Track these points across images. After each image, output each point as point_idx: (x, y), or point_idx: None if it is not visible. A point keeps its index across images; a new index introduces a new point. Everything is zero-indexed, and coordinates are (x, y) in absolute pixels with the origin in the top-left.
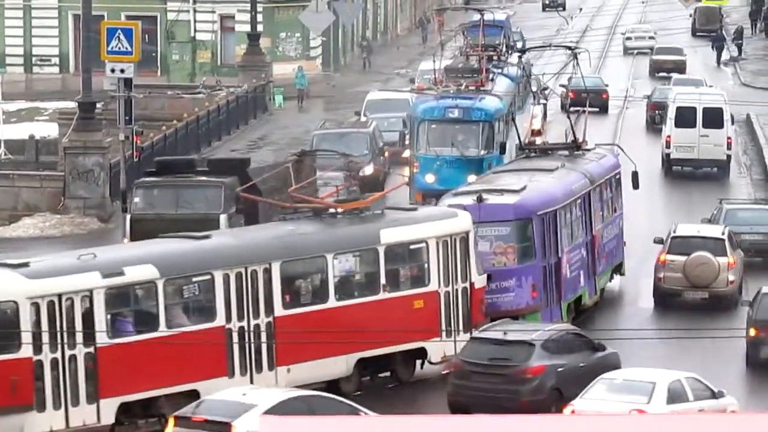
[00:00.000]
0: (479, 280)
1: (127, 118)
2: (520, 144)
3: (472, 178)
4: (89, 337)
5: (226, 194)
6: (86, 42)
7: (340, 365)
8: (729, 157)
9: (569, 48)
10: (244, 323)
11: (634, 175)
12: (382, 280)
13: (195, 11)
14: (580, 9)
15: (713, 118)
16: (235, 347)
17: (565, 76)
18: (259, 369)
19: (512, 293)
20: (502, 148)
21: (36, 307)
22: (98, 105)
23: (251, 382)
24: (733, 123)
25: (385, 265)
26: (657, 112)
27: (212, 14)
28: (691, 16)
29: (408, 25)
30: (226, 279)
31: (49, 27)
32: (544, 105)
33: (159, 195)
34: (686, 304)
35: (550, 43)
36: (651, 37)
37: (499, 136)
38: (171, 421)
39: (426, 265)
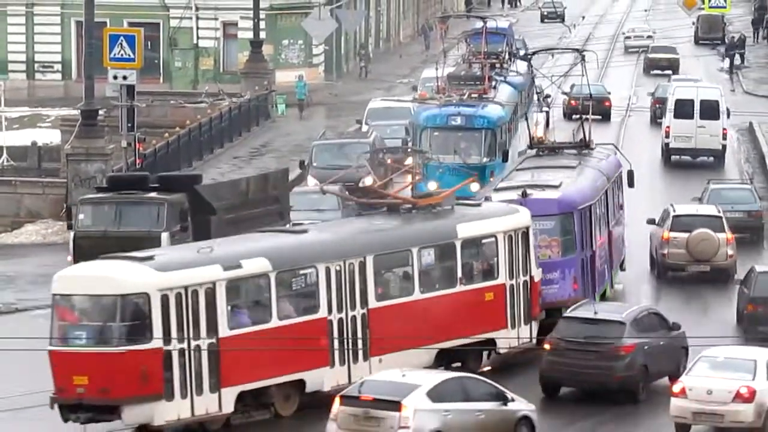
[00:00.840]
0: (537, 273)
1: (129, 125)
2: (531, 143)
3: (474, 186)
4: (212, 328)
5: (168, 212)
6: (89, 49)
7: (423, 356)
8: (724, 147)
9: (577, 50)
10: (343, 315)
11: (630, 174)
12: (459, 274)
13: (197, 18)
14: (583, 17)
15: (710, 109)
16: (335, 338)
17: (570, 79)
18: (356, 359)
19: (556, 285)
20: (505, 156)
21: (165, 298)
22: (101, 112)
23: (349, 372)
24: (728, 116)
25: (461, 259)
26: (658, 106)
27: (215, 21)
28: (693, 24)
29: (411, 32)
30: (328, 272)
31: (51, 34)
32: (547, 113)
33: (103, 212)
34: (690, 277)
35: (557, 47)
36: (649, 36)
37: (501, 143)
38: (337, 401)
39: (495, 259)
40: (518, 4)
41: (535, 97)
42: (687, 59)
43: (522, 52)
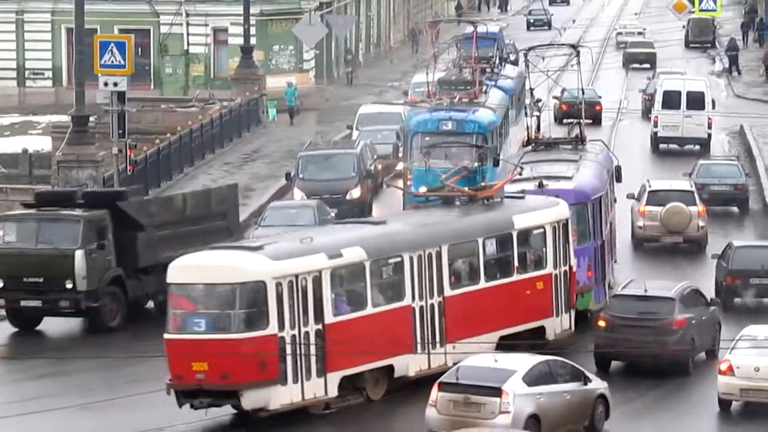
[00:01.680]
0: (574, 263)
1: (120, 131)
2: (528, 138)
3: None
4: (318, 315)
5: (84, 229)
6: (79, 55)
7: (489, 343)
8: (709, 135)
9: (572, 46)
10: (423, 303)
11: (618, 169)
12: (515, 263)
13: (188, 24)
14: (573, 21)
15: (696, 100)
16: (417, 325)
17: (565, 75)
18: (434, 346)
19: None
20: (496, 161)
21: (279, 286)
22: (91, 118)
23: (429, 358)
24: (714, 107)
25: (517, 249)
26: (649, 101)
27: (205, 27)
28: (684, 27)
29: (401, 37)
30: (412, 261)
31: (42, 41)
32: (537, 117)
33: (22, 229)
34: (664, 248)
35: (553, 43)
36: (640, 33)
37: (492, 148)
38: (435, 387)
39: (543, 249)
40: (507, 8)
41: (527, 100)
42: (678, 61)
43: (513, 57)
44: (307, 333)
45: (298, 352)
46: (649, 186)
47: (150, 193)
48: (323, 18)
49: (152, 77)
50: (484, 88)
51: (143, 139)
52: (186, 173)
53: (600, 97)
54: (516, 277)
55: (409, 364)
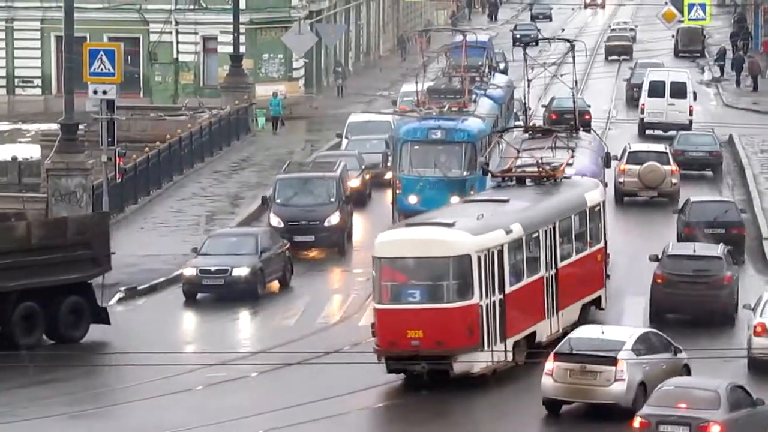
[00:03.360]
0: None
1: (109, 139)
2: (525, 125)
3: (455, 199)
4: (501, 285)
5: None
6: (69, 64)
7: (576, 311)
8: (690, 122)
9: (567, 40)
10: (548, 274)
11: (607, 156)
12: (588, 237)
13: (177, 33)
14: (563, 29)
15: (678, 90)
16: (545, 295)
17: (563, 67)
18: (551, 313)
19: None
20: (485, 170)
21: (479, 259)
22: (81, 127)
23: (550, 324)
24: (695, 98)
25: (589, 224)
26: (635, 90)
27: (195, 36)
28: (673, 36)
29: (390, 46)
30: (545, 235)
31: (31, 48)
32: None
33: None
34: (640, 201)
35: (554, 37)
36: (632, 29)
37: (481, 157)
38: (551, 357)
39: (600, 224)
40: (496, 18)
41: (515, 109)
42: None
43: (502, 66)
44: (494, 302)
45: (489, 319)
46: (630, 148)
47: (139, 202)
48: (313, 27)
49: (141, 85)
50: (474, 97)
51: (133, 148)
52: (175, 181)
53: (589, 106)
54: (589, 250)
55: (543, 331)
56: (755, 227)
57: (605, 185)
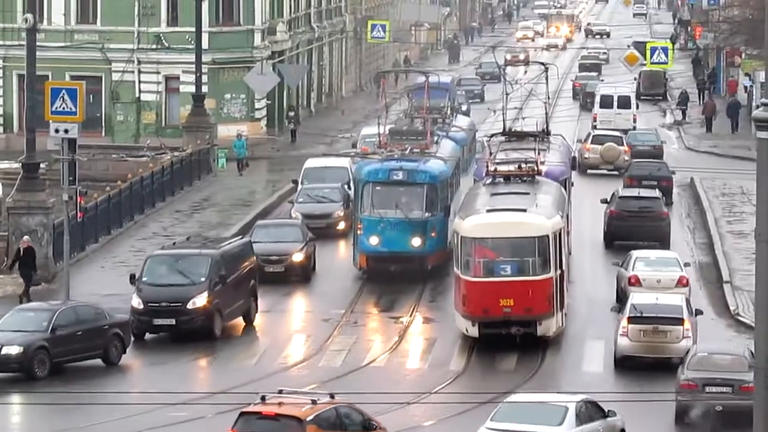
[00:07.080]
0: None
1: (71, 178)
2: (504, 129)
3: (416, 241)
4: (560, 262)
5: None
6: (30, 102)
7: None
8: (635, 128)
9: (542, 63)
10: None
11: (574, 159)
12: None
13: (140, 72)
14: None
15: (624, 102)
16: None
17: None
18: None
19: None
20: (447, 211)
21: (553, 239)
22: (42, 165)
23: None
24: (638, 107)
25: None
26: (588, 101)
27: (157, 75)
28: (635, 80)
29: (353, 87)
30: (566, 223)
31: None
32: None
33: None
34: (600, 175)
35: (527, 61)
36: (607, 33)
37: (443, 198)
38: (624, 321)
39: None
40: (459, 59)
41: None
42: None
43: (464, 107)
44: (559, 276)
45: (558, 291)
46: (593, 131)
47: (100, 241)
48: (275, 67)
49: (103, 124)
50: (436, 138)
51: (94, 186)
52: (136, 221)
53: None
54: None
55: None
56: (716, 270)
57: (572, 184)
